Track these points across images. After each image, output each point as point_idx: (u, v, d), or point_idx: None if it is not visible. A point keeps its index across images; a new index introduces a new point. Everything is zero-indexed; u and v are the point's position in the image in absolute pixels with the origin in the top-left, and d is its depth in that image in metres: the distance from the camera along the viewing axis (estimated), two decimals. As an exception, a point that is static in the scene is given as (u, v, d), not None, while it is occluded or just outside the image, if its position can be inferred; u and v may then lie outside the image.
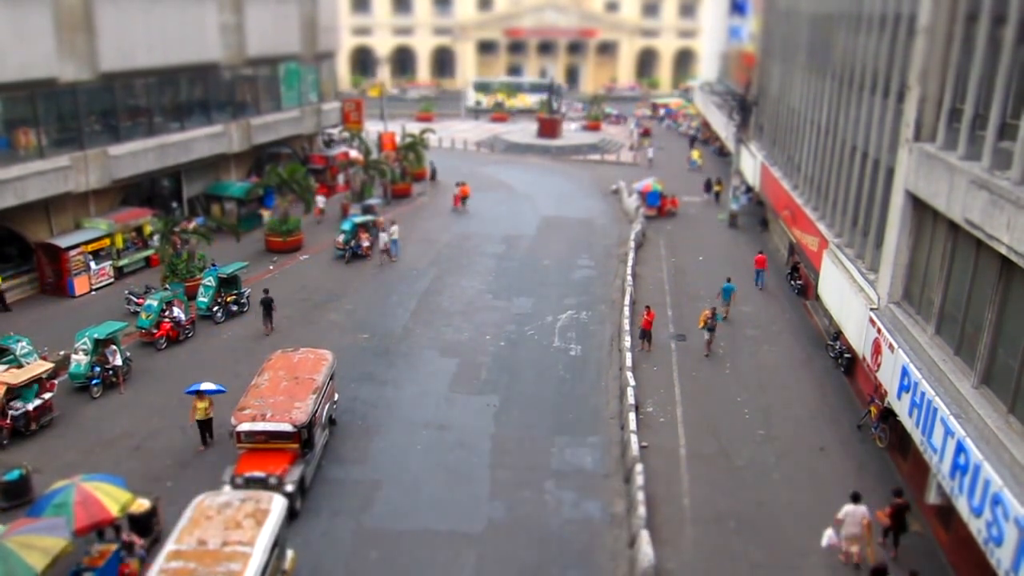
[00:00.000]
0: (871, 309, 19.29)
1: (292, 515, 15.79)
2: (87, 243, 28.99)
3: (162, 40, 32.75)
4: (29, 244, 28.80)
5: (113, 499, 14.07)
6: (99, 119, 31.36)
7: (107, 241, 29.92)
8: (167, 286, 26.92)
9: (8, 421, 18.80)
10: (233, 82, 38.81)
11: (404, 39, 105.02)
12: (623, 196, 45.37)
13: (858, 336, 20.33)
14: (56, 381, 20.69)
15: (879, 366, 18.28)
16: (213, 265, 28.68)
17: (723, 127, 53.20)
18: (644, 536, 15.13)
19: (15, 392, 19.03)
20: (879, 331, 18.34)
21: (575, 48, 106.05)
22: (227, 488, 16.12)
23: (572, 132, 69.26)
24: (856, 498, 15.19)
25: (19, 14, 26.43)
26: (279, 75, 41.93)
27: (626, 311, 26.69)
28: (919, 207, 17.51)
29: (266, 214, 36.72)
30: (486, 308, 28.56)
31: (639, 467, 17.42)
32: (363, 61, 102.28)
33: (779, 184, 33.65)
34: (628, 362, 22.87)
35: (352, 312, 27.93)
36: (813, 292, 27.12)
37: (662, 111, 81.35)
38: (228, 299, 26.96)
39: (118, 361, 21.87)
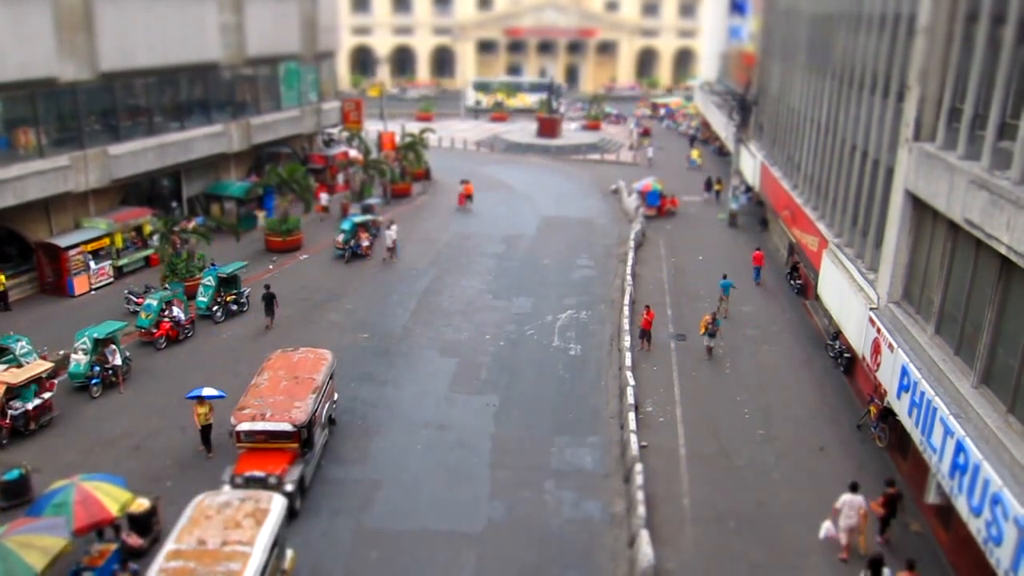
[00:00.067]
0: (871, 309, 19.29)
1: (292, 515, 15.79)
2: (87, 243, 28.99)
3: (162, 40, 32.74)
4: (29, 244, 28.80)
5: (113, 499, 14.08)
6: (99, 119, 31.36)
7: (107, 241, 29.92)
8: (167, 286, 26.92)
9: (7, 421, 18.79)
10: (233, 82, 38.80)
11: (404, 39, 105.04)
12: (623, 196, 45.38)
13: (858, 336, 20.33)
14: (55, 381, 20.68)
15: (879, 366, 18.28)
16: (213, 265, 28.69)
17: (723, 127, 53.19)
18: (644, 536, 15.13)
19: (14, 392, 19.02)
20: (879, 331, 18.34)
21: (575, 48, 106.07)
22: (227, 488, 16.12)
23: (572, 132, 69.27)
24: (854, 488, 15.50)
25: (19, 14, 26.43)
26: (279, 75, 41.92)
27: (626, 311, 26.69)
28: (919, 207, 17.51)
29: (260, 215, 36.60)
30: (486, 308, 28.56)
31: (639, 467, 17.43)
32: (363, 61, 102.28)
33: (779, 184, 33.65)
34: (628, 362, 22.87)
35: (352, 312, 27.93)
36: (813, 292, 27.12)
37: (662, 111, 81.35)
38: (228, 299, 26.96)
39: (118, 361, 21.87)
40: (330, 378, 19.43)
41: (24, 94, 27.63)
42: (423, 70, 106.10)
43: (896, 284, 18.52)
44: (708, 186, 47.49)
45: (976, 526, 12.65)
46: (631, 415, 19.64)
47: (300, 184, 36.22)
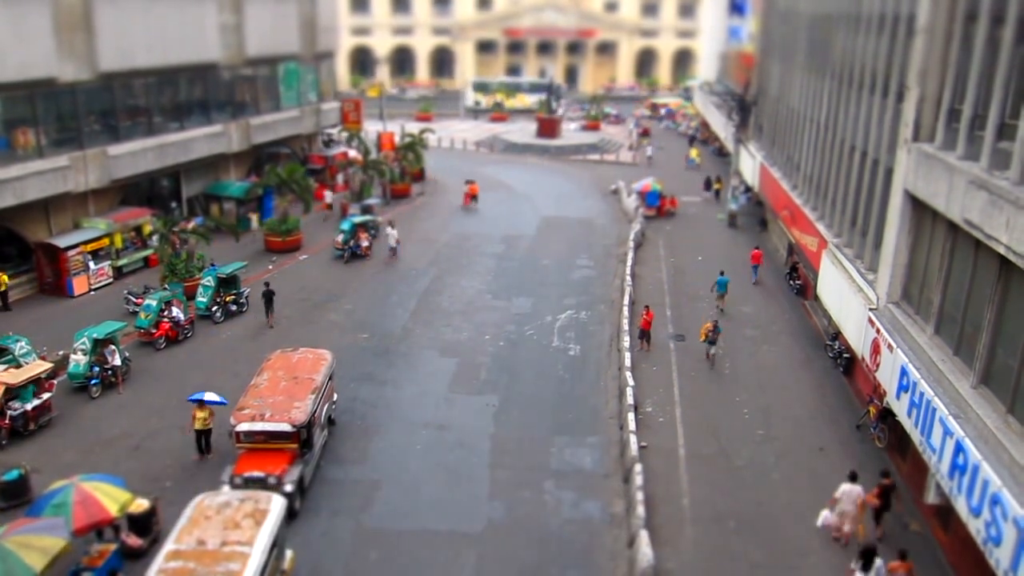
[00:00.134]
0: (870, 309, 19.30)
1: (291, 515, 15.78)
2: (86, 243, 28.98)
3: (161, 40, 32.74)
4: (28, 244, 28.79)
5: (112, 499, 14.07)
6: (98, 119, 31.36)
7: (106, 241, 29.91)
8: (166, 286, 26.90)
9: (7, 421, 18.78)
10: (232, 82, 38.80)
11: (403, 39, 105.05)
12: (622, 196, 45.39)
13: (857, 336, 20.34)
14: (55, 381, 20.68)
15: (878, 366, 18.29)
16: (212, 265, 28.68)
17: (722, 127, 53.23)
18: (643, 536, 15.13)
19: (14, 392, 19.01)
20: (878, 331, 18.35)
21: (574, 48, 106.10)
22: (226, 488, 16.11)
23: (571, 132, 69.28)
24: (853, 477, 15.85)
25: (18, 14, 26.42)
26: (278, 75, 41.94)
27: (625, 311, 26.69)
28: (918, 207, 17.52)
29: (254, 218, 36.46)
30: (485, 308, 28.56)
31: (638, 467, 17.43)
32: (362, 61, 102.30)
33: (778, 184, 33.67)
34: (627, 362, 22.88)
35: (351, 312, 27.93)
36: (812, 292, 27.13)
37: (663, 111, 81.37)
38: (227, 299, 26.95)
39: (117, 361, 21.87)
40: (330, 378, 19.43)
41: (23, 94, 27.62)
42: (422, 70, 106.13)
43: (895, 284, 18.53)
44: (707, 185, 47.58)
45: (975, 526, 12.65)
46: (630, 415, 19.65)
47: (299, 184, 36.22)
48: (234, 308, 27.06)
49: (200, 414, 18.27)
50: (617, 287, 30.40)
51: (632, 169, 54.32)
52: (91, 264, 29.12)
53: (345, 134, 49.36)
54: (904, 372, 16.32)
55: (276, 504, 13.67)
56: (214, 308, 26.54)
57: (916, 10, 18.09)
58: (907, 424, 16.20)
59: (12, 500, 16.35)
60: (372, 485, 17.72)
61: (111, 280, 29.93)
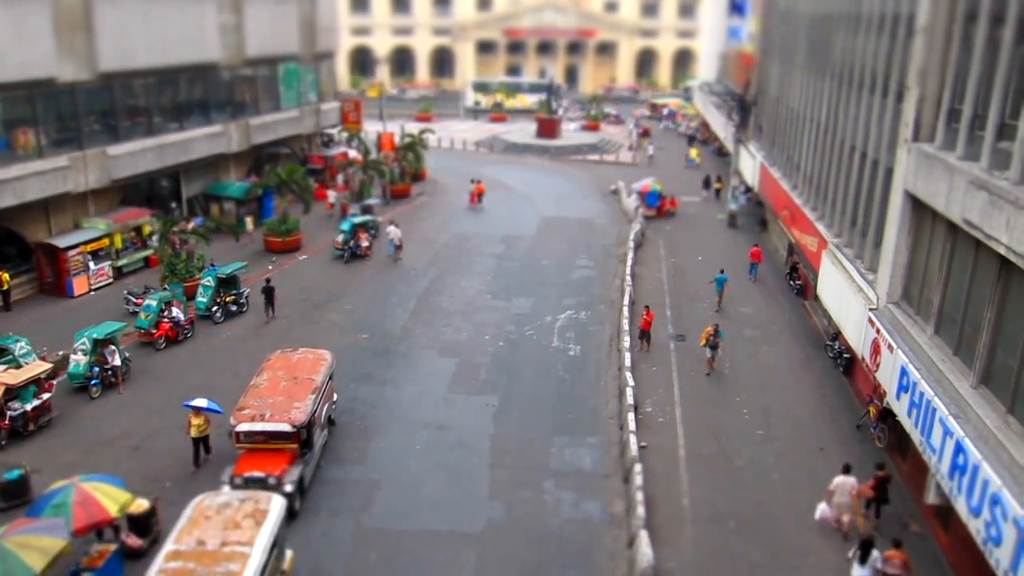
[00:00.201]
0: (870, 309, 19.30)
1: (291, 515, 15.78)
2: (86, 243, 28.97)
3: (161, 40, 32.74)
4: (28, 244, 28.78)
5: (112, 499, 14.07)
6: (98, 119, 31.35)
7: (106, 241, 29.90)
8: (166, 286, 26.90)
9: (7, 422, 18.77)
10: (232, 82, 38.80)
11: (403, 39, 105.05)
12: (622, 196, 45.40)
13: (857, 336, 20.34)
14: (55, 381, 20.67)
15: (878, 366, 18.29)
16: (212, 265, 28.67)
17: (722, 127, 53.26)
18: (643, 536, 15.13)
19: (13, 392, 19.00)
20: (878, 331, 18.35)
21: (574, 48, 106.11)
22: (226, 488, 16.11)
23: (571, 132, 69.29)
24: (847, 469, 16.27)
25: (18, 14, 26.42)
26: (278, 75, 41.94)
27: (625, 311, 26.69)
28: (918, 207, 17.52)
29: (249, 220, 36.34)
30: (485, 308, 28.56)
31: (638, 467, 17.43)
32: (362, 61, 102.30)
33: (778, 184, 33.67)
34: (627, 362, 22.87)
35: (351, 312, 27.93)
36: (812, 292, 27.13)
37: (665, 110, 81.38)
38: (227, 299, 26.95)
39: (117, 361, 21.86)
40: (329, 379, 19.42)
41: (23, 94, 27.61)
42: (422, 71, 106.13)
43: (895, 284, 18.53)
44: (706, 184, 47.67)
45: (975, 526, 12.65)
46: (630, 415, 19.65)
47: (299, 184, 36.22)
48: (234, 308, 27.06)
49: (196, 420, 18.04)
50: (617, 287, 30.40)
51: (632, 169, 54.34)
52: (91, 264, 29.11)
53: (345, 134, 49.38)
54: (904, 372, 16.33)
55: (276, 504, 13.67)
56: (214, 308, 26.55)
57: (916, 10, 18.09)
58: (907, 424, 16.20)
59: (12, 500, 16.35)
60: (372, 485, 17.72)
61: (111, 280, 29.93)
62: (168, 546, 12.57)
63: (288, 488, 16.10)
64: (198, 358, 23.98)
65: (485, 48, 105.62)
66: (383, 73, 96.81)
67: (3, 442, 18.73)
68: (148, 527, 15.49)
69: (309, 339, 24.02)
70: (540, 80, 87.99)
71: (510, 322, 27.22)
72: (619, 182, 47.85)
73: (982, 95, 15.07)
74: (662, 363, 24.10)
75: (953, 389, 14.58)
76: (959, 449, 13.38)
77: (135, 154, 31.92)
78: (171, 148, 33.85)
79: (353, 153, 47.25)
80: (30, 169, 27.43)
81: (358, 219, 35.26)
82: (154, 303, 24.52)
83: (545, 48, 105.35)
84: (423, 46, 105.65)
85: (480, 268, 33.12)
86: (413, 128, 54.21)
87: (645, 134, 66.27)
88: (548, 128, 65.68)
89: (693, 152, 58.71)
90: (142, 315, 24.53)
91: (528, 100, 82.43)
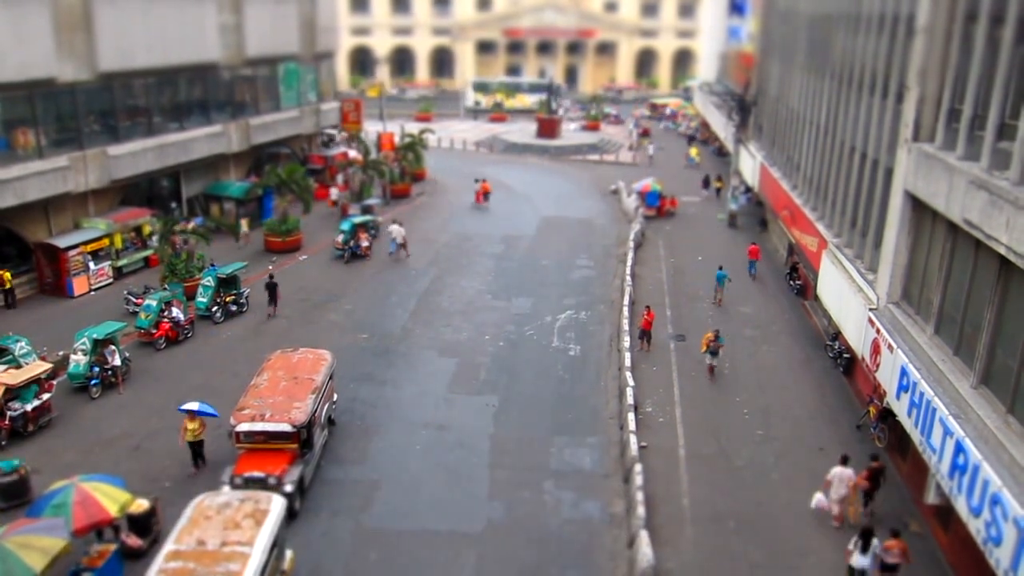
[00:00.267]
0: (870, 309, 19.30)
1: (291, 515, 15.78)
2: (86, 243, 28.96)
3: (161, 40, 32.74)
4: (28, 244, 28.78)
5: (112, 499, 14.07)
6: (98, 119, 31.35)
7: (106, 241, 29.90)
8: (166, 286, 26.90)
9: (7, 422, 18.77)
10: (232, 82, 38.80)
11: (403, 39, 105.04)
12: (622, 196, 45.40)
13: (857, 336, 20.34)
14: (55, 381, 20.66)
15: (878, 366, 18.29)
16: (212, 265, 28.68)
17: (722, 127, 53.27)
18: (643, 536, 15.13)
19: (14, 393, 19.00)
20: (878, 331, 18.35)
21: (574, 48, 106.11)
22: (226, 488, 16.11)
23: (571, 132, 69.29)
24: (845, 460, 16.59)
25: (18, 14, 26.41)
26: (278, 75, 41.94)
27: (625, 311, 26.69)
28: (918, 207, 17.52)
29: (244, 222, 36.18)
30: (485, 308, 28.56)
31: (638, 467, 17.43)
32: (362, 61, 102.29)
33: (778, 184, 33.67)
34: (627, 362, 22.88)
35: (351, 312, 27.93)
36: (812, 292, 27.13)
37: (667, 110, 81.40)
38: (227, 299, 26.95)
39: (117, 361, 21.86)
40: (329, 378, 19.42)
41: (23, 94, 27.61)
42: (422, 71, 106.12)
43: (895, 284, 18.53)
44: (706, 183, 47.75)
45: (975, 526, 12.65)
46: (630, 415, 19.65)
47: (299, 184, 36.22)
48: (234, 308, 27.07)
49: (191, 425, 17.88)
50: (617, 287, 30.40)
51: (632, 169, 54.34)
52: (91, 264, 29.11)
53: (344, 134, 49.36)
54: (904, 372, 16.33)
55: (276, 504, 13.67)
56: (214, 308, 26.55)
57: (916, 10, 18.09)
58: (907, 424, 16.21)
59: (12, 500, 16.36)
60: (372, 485, 17.72)
61: (111, 280, 29.92)
62: (168, 546, 12.57)
63: (288, 488, 16.10)
64: (198, 358, 23.98)
65: (485, 48, 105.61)
66: (383, 73, 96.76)
67: (3, 442, 18.73)
68: (148, 527, 15.49)
69: (309, 339, 24.02)
70: (540, 80, 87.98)
71: (510, 322, 27.22)
72: (619, 182, 47.86)
73: (982, 95, 15.07)
74: (662, 363, 24.10)
75: (953, 389, 14.58)
76: (959, 449, 13.38)
77: (135, 154, 31.92)
78: (171, 148, 33.85)
79: (353, 153, 47.25)
80: (30, 169, 27.43)
81: (358, 219, 35.26)
82: (154, 303, 24.52)
83: (545, 48, 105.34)
84: (423, 46, 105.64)
85: (480, 268, 33.12)
86: (413, 128, 54.21)
87: (645, 134, 66.32)
88: (548, 128, 65.68)
89: (693, 151, 58.89)
90: (142, 315, 24.53)
91: (528, 100, 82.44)
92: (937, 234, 16.58)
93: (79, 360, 21.28)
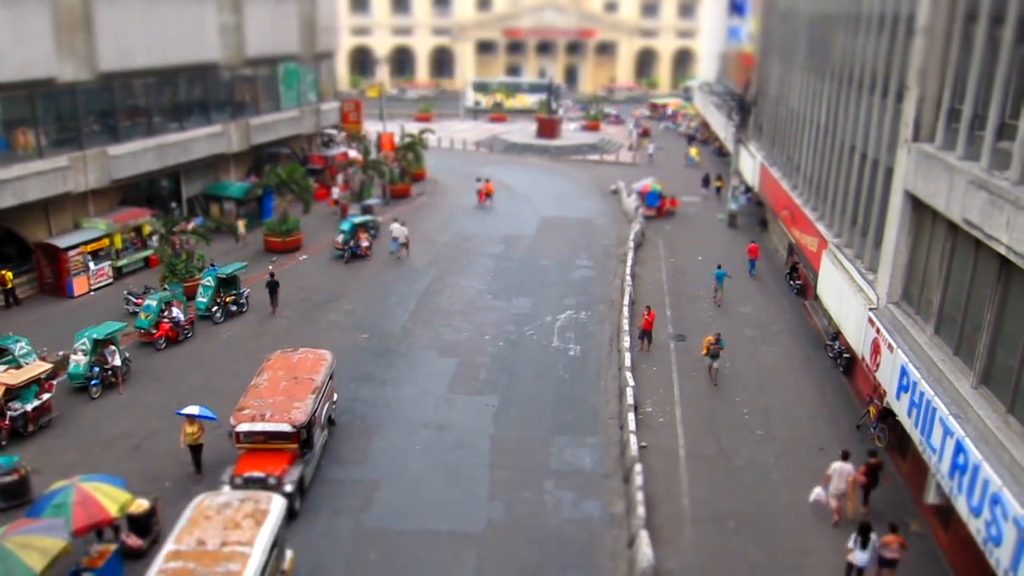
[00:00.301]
0: (870, 309, 19.30)
1: (291, 515, 15.78)
2: (86, 243, 28.96)
3: (161, 40, 32.74)
4: (28, 244, 28.78)
5: (112, 499, 14.07)
6: (98, 119, 31.36)
7: (106, 241, 29.90)
8: (166, 286, 26.90)
9: (7, 422, 18.78)
10: (232, 82, 38.81)
11: (403, 39, 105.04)
12: (622, 196, 45.40)
13: (857, 336, 20.33)
14: (55, 381, 20.66)
15: (878, 366, 18.29)
16: (212, 265, 28.68)
17: (722, 127, 53.27)
18: (643, 536, 15.13)
19: (14, 393, 19.01)
20: (878, 331, 18.35)
21: (574, 48, 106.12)
22: (226, 488, 16.11)
23: (571, 132, 69.28)
24: (846, 456, 16.74)
25: (18, 14, 26.41)
26: (278, 75, 41.95)
27: (625, 311, 26.69)
28: (918, 207, 17.52)
29: (241, 224, 36.13)
30: (485, 308, 28.56)
31: (638, 467, 17.43)
32: (362, 61, 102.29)
33: (778, 184, 33.67)
34: (627, 362, 22.87)
35: (351, 312, 27.93)
36: (812, 292, 27.13)
37: (669, 110, 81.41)
38: (227, 299, 26.95)
39: (117, 361, 21.86)
40: (330, 379, 19.42)
41: (23, 94, 27.61)
42: (422, 71, 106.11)
43: (895, 284, 18.53)
44: (705, 182, 47.81)
45: (976, 526, 12.65)
46: (630, 415, 19.65)
47: (299, 184, 36.22)
48: (234, 308, 27.07)
49: (189, 429, 17.77)
50: (617, 287, 30.40)
51: (632, 169, 54.34)
52: (91, 264, 29.11)
53: (343, 134, 49.36)
54: (904, 372, 16.33)
55: (276, 504, 13.67)
56: (214, 308, 26.55)
57: (916, 10, 18.08)
58: (907, 424, 16.21)
59: (12, 500, 16.35)
60: (372, 485, 17.72)
61: (111, 280, 29.92)
62: (168, 546, 12.57)
63: (288, 488, 16.10)
64: (198, 358, 23.98)
65: (485, 48, 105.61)
66: (383, 73, 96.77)
67: (3, 442, 18.73)
68: (148, 527, 15.49)
69: (309, 339, 24.03)
70: (540, 80, 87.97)
71: (510, 322, 27.22)
72: (619, 182, 47.86)
73: (982, 95, 15.06)
74: (662, 363, 24.10)
75: (953, 389, 14.58)
76: (959, 449, 13.38)
77: (135, 154, 31.92)
78: (171, 148, 33.85)
79: (353, 153, 47.25)
80: (30, 169, 27.44)
81: (358, 219, 35.26)
82: (154, 303, 24.52)
83: (545, 48, 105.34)
84: (423, 46, 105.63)
85: (480, 268, 33.12)
86: (413, 128, 54.21)
87: (645, 134, 66.34)
88: (548, 128, 65.68)
89: (693, 151, 59.01)
90: (142, 315, 24.53)
91: (528, 100, 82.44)
92: (937, 234, 16.57)
93: (79, 360, 21.28)
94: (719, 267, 29.36)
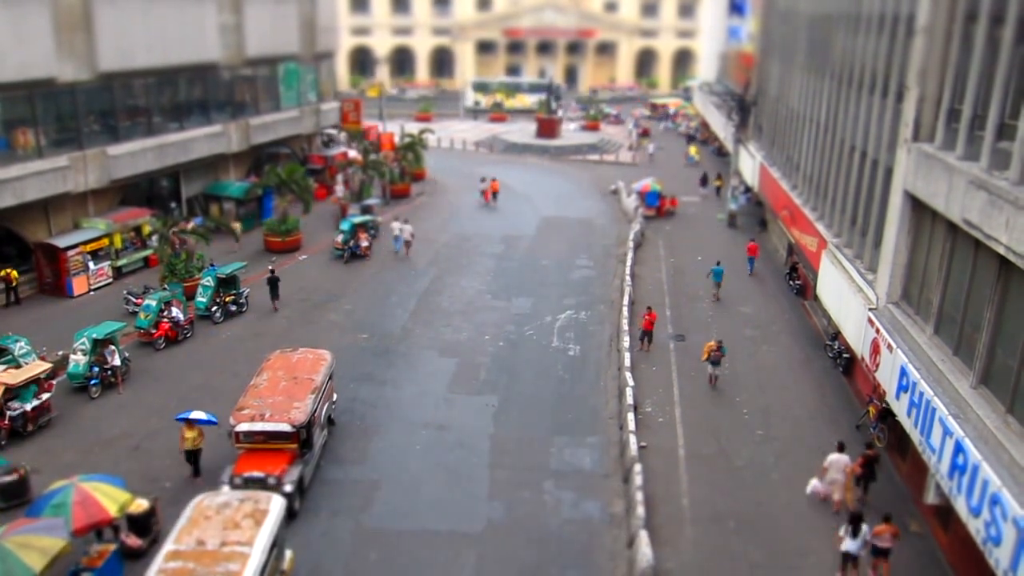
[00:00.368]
0: (870, 309, 19.29)
1: (291, 515, 15.78)
2: (86, 243, 28.96)
3: (161, 40, 32.74)
4: (28, 244, 28.77)
5: (112, 499, 14.07)
6: (98, 119, 31.35)
7: (106, 241, 29.90)
8: (166, 286, 26.89)
9: (6, 422, 18.77)
10: (232, 82, 38.80)
11: (403, 39, 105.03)
12: (622, 196, 45.40)
13: (857, 336, 20.33)
14: (54, 381, 20.66)
15: (878, 366, 18.28)
16: (212, 265, 28.68)
17: (722, 127, 53.26)
18: (643, 536, 15.13)
19: (13, 392, 19.00)
20: (878, 331, 18.34)
21: (574, 48, 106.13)
22: (226, 488, 16.11)
23: (571, 132, 69.27)
24: (841, 447, 17.15)
25: (18, 14, 26.41)
26: (278, 75, 41.94)
27: (625, 311, 26.69)
28: (918, 207, 17.52)
29: (237, 226, 36.01)
30: (485, 308, 28.55)
31: (638, 467, 17.43)
32: (362, 61, 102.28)
33: (778, 184, 33.67)
34: (627, 362, 22.87)
35: (351, 312, 27.92)
36: (812, 292, 27.13)
37: (671, 109, 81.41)
38: (227, 299, 26.95)
39: (117, 361, 21.86)
40: (329, 378, 19.42)
41: (23, 94, 27.61)
42: (422, 71, 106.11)
43: (895, 284, 18.53)
44: (704, 181, 47.90)
45: (975, 526, 12.65)
46: (630, 415, 19.64)
47: (299, 184, 36.22)
48: (234, 308, 27.07)
49: (189, 434, 17.65)
50: (617, 287, 30.40)
51: (632, 169, 54.34)
52: (91, 264, 29.11)
53: (344, 134, 49.37)
54: (904, 372, 16.32)
55: (276, 504, 13.67)
56: (214, 308, 26.55)
57: (916, 10, 18.08)
58: (907, 424, 16.20)
59: (12, 500, 16.35)
60: (372, 485, 17.72)
61: (111, 280, 29.92)
62: (168, 546, 12.57)
63: (288, 488, 16.10)
64: (198, 358, 23.98)
65: (485, 48, 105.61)
66: (383, 73, 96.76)
67: (3, 442, 18.72)
68: (148, 527, 15.49)
69: (309, 339, 24.02)
70: (540, 80, 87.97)
71: (510, 322, 27.22)
72: (619, 182, 47.85)
73: (982, 95, 15.06)
74: (662, 363, 24.10)
75: (953, 389, 14.58)
76: (959, 449, 13.38)
77: (135, 154, 31.92)
78: (171, 148, 33.84)
79: (353, 153, 47.24)
80: (30, 169, 27.43)
81: (358, 219, 35.26)
82: (154, 303, 24.52)
83: (545, 48, 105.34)
84: (423, 46, 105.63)
85: (480, 268, 33.12)
86: (413, 128, 54.21)
87: (645, 134, 66.36)
88: (548, 128, 65.67)
89: (692, 150, 59.19)
90: (142, 315, 24.53)
91: (528, 100, 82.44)
92: (937, 234, 16.57)
93: (79, 360, 21.28)
94: (718, 263, 29.55)
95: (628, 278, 30.27)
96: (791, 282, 30.85)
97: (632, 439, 18.64)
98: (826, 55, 27.90)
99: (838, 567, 14.99)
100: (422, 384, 22.63)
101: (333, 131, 50.53)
